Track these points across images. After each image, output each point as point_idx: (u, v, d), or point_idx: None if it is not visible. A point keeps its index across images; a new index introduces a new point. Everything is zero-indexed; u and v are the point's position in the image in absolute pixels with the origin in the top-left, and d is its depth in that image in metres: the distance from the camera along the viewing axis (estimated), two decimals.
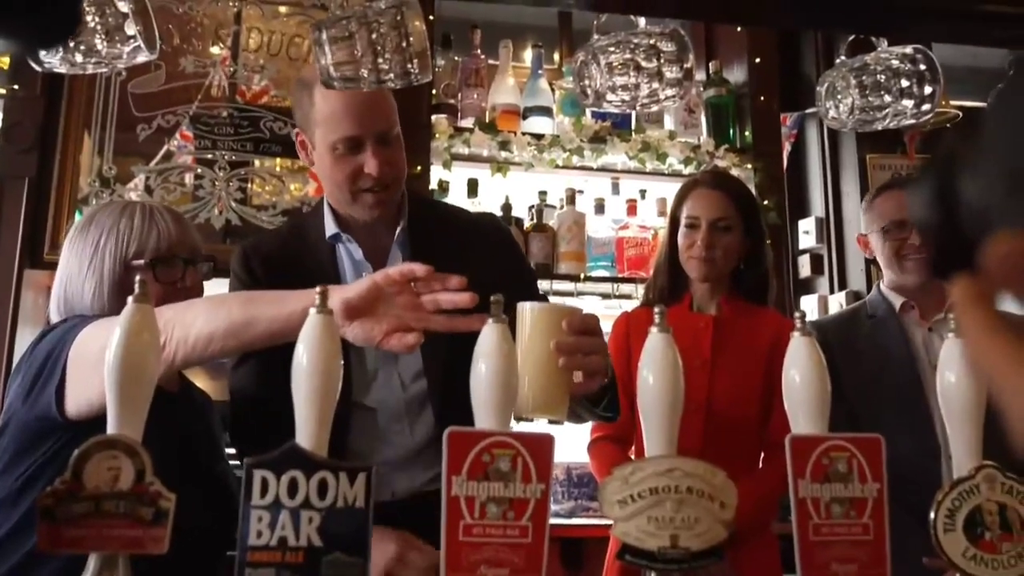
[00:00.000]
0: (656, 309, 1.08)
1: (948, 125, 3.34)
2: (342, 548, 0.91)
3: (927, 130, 3.47)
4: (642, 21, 1.17)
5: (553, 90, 3.22)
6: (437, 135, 2.97)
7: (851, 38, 1.30)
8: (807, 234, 3.62)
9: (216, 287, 1.59)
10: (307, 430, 0.94)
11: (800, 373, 1.09)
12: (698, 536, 1.00)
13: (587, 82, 1.19)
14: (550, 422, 1.21)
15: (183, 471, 1.24)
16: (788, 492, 1.98)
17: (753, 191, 2.69)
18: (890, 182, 2.24)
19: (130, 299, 0.96)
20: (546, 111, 3.15)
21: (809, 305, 3.50)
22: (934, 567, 1.92)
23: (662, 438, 1.03)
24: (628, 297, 3.10)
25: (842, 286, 3.49)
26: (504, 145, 3.01)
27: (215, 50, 2.97)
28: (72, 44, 1.06)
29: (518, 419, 1.13)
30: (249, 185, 2.93)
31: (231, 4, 3.02)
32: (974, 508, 1.05)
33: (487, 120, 3.07)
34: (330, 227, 1.63)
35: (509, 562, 0.92)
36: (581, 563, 2.76)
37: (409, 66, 1.12)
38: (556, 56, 3.55)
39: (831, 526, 1.02)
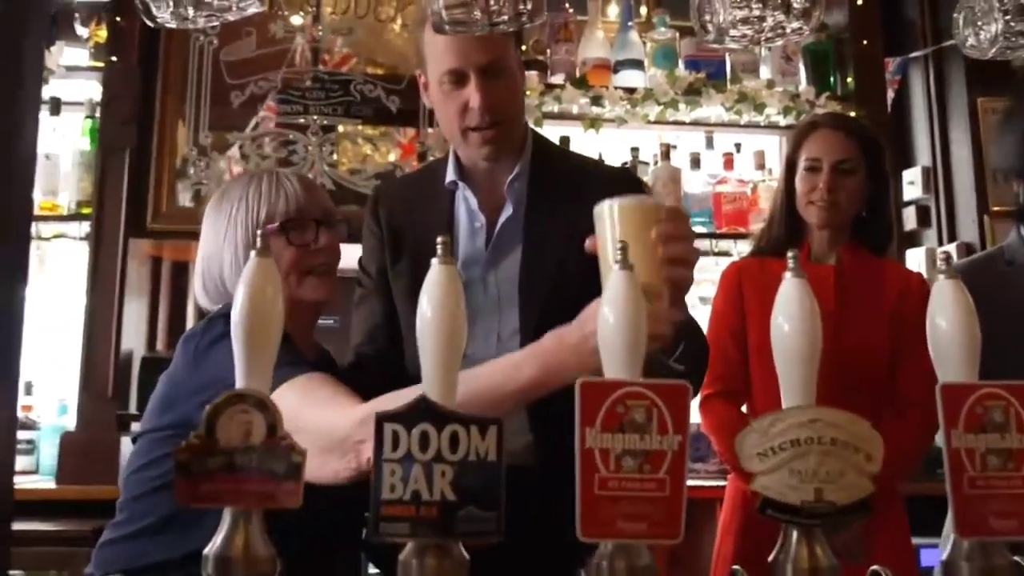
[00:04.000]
0: (790, 253, 1.02)
1: None
2: (475, 502, 0.88)
3: None
4: None
5: (644, 42, 3.13)
6: (528, 93, 2.92)
7: None
8: (912, 184, 3.47)
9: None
10: (435, 382, 0.92)
11: (947, 319, 1.02)
12: (843, 490, 0.95)
13: (708, 17, 1.12)
14: None
15: None
16: (921, 450, 1.89)
17: None
18: None
19: (253, 254, 0.95)
20: (638, 64, 3.07)
21: (916, 259, 3.36)
22: None
23: (800, 388, 0.98)
24: (727, 254, 3.01)
25: (951, 238, 3.33)
26: (596, 100, 2.95)
27: (296, 19, 2.97)
28: None
29: None
30: (336, 149, 2.94)
31: None
32: None
33: (578, 75, 3.01)
34: (450, 173, 1.61)
35: (647, 516, 0.89)
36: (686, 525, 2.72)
37: (520, 7, 1.07)
38: (643, 9, 3.46)
39: (987, 479, 0.96)
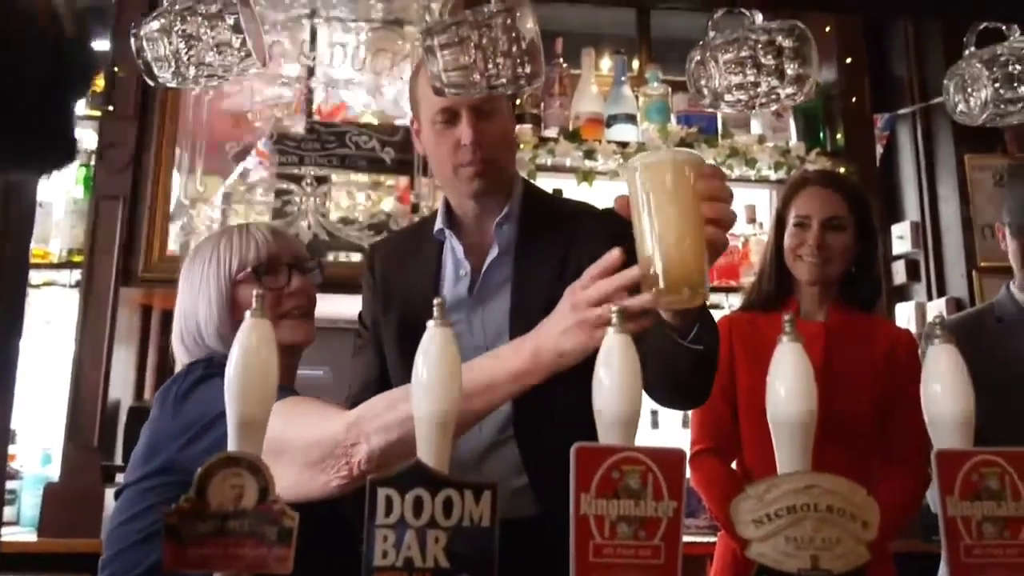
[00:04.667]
0: (785, 317, 1.02)
1: None
2: (468, 569, 0.87)
3: None
4: (759, 16, 1.12)
5: (637, 97, 3.17)
6: (522, 146, 2.95)
7: (980, 27, 1.23)
8: (901, 239, 3.50)
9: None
10: (430, 446, 0.91)
11: (942, 385, 1.02)
12: (840, 558, 0.94)
13: (703, 81, 1.14)
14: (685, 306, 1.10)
15: None
16: (912, 509, 1.88)
17: None
18: None
19: (247, 314, 0.95)
20: (630, 119, 3.10)
21: (905, 313, 3.38)
22: None
23: (796, 454, 0.97)
24: (717, 307, 3.02)
25: (941, 292, 3.35)
26: (589, 154, 2.97)
27: (289, 70, 2.99)
28: (185, 59, 1.05)
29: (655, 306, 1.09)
30: (329, 199, 2.95)
31: (304, 21, 3.05)
32: None
33: (571, 129, 3.04)
34: (439, 222, 1.62)
35: None
36: None
37: (519, 70, 1.09)
38: (635, 64, 3.51)
39: (984, 547, 0.95)
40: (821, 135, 3.27)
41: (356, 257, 2.89)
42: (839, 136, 3.28)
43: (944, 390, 1.02)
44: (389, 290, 1.64)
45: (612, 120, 3.09)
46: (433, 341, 0.94)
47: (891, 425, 1.85)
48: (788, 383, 0.99)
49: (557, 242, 1.54)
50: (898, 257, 3.50)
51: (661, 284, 1.08)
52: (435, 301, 0.96)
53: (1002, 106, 1.21)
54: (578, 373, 1.30)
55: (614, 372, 0.94)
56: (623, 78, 3.16)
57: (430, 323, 0.94)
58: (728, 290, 2.99)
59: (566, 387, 1.39)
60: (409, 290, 1.60)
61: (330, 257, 2.91)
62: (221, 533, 0.86)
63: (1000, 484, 0.97)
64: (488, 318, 1.55)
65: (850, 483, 0.95)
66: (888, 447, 1.85)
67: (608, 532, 0.88)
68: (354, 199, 2.97)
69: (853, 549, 0.95)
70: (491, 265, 1.57)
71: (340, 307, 2.74)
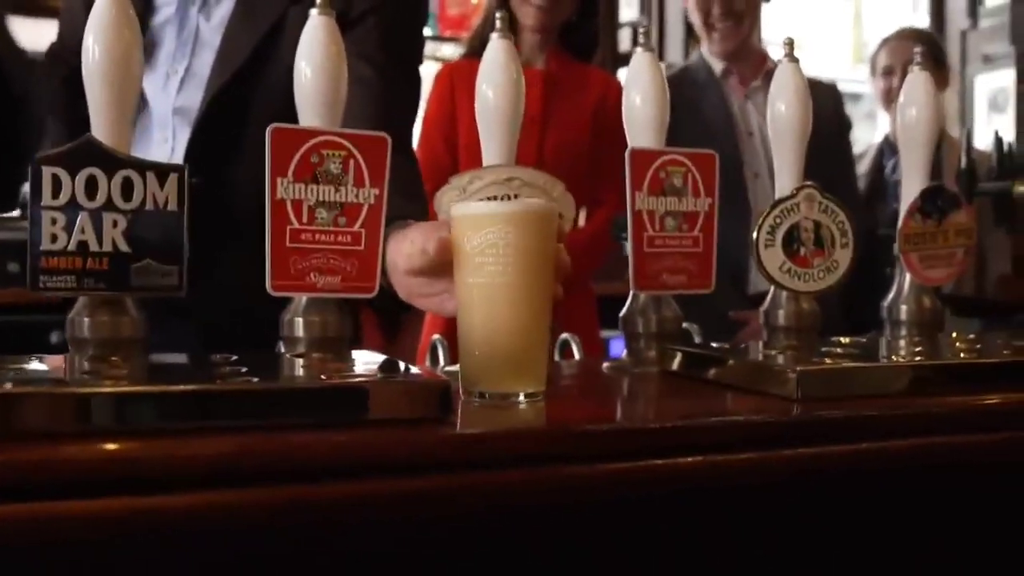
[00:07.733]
0: (498, 14, 0.99)
1: None
2: (154, 255, 0.82)
3: None
4: None
5: None
6: None
7: None
8: (628, 6, 3.59)
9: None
10: (105, 125, 0.82)
11: (641, 94, 1.06)
12: None
13: None
14: (526, 397, 0.82)
15: None
16: (605, 241, 2.03)
17: None
18: None
19: None
20: None
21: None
22: (739, 319, 2.08)
23: (501, 149, 0.98)
24: (448, 61, 2.97)
25: (661, 60, 3.51)
26: None
27: None
28: None
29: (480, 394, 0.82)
30: None
31: None
32: (792, 225, 1.08)
33: None
34: None
35: (341, 270, 0.87)
36: (398, 328, 2.77)
37: None
38: None
39: (664, 238, 1.03)
40: None
41: None
42: None
43: (643, 97, 1.05)
44: None
45: None
46: (105, 14, 0.82)
47: (598, 168, 1.95)
48: (495, 82, 0.97)
49: None
50: (624, 24, 3.60)
51: (501, 370, 0.82)
52: None
53: None
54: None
55: (316, 62, 0.88)
56: None
57: None
58: (459, 41, 2.94)
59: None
60: None
61: None
62: None
63: (683, 182, 1.04)
64: (205, 17, 1.30)
65: (549, 177, 0.97)
66: (591, 185, 1.96)
67: (307, 217, 0.85)
68: None
69: None
70: None
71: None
